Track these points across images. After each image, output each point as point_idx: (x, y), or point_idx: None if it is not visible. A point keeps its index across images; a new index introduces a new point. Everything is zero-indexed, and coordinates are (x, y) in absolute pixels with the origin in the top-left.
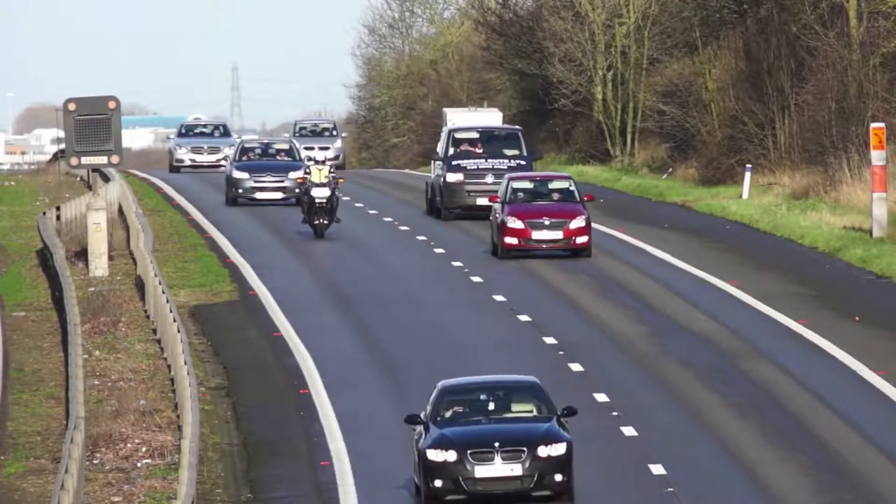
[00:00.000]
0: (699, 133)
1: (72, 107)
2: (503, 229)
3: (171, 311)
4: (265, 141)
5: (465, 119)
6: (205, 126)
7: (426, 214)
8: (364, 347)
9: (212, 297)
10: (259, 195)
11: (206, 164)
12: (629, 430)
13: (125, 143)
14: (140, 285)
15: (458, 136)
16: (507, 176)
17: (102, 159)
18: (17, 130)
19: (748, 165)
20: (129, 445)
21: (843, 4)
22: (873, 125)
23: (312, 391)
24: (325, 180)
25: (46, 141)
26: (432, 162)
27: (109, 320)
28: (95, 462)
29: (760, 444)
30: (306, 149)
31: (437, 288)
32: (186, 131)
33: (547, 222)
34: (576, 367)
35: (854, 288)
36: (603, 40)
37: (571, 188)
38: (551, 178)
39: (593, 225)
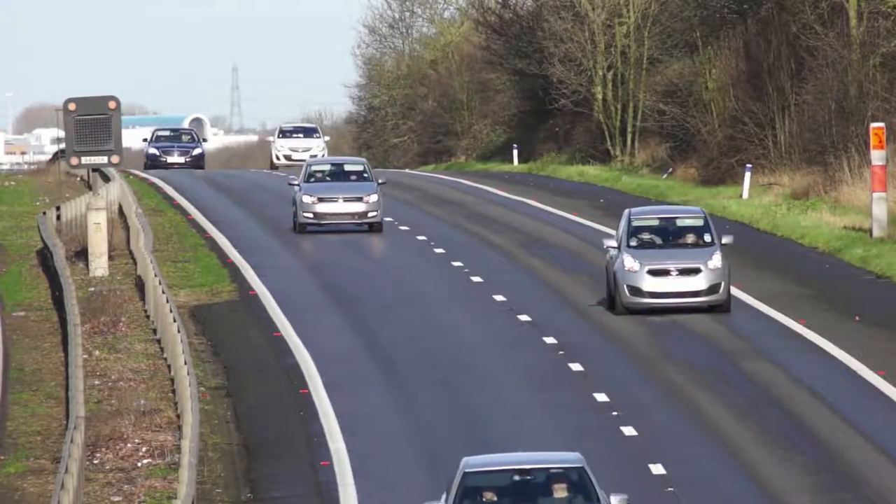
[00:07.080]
0: (699, 133)
1: (72, 107)
2: None
3: (171, 311)
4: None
5: None
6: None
7: (425, 214)
8: (364, 347)
9: (212, 297)
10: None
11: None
12: (629, 430)
13: (125, 142)
14: (140, 285)
15: None
16: None
17: (102, 159)
18: (17, 130)
19: (748, 165)
20: (129, 445)
21: (843, 4)
22: (873, 125)
23: (312, 391)
24: None
25: (46, 141)
26: None
27: (109, 320)
28: (95, 462)
29: (760, 444)
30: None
31: (438, 288)
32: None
33: None
34: (576, 366)
35: (854, 288)
36: (603, 40)
37: None
38: None
39: (585, 222)
